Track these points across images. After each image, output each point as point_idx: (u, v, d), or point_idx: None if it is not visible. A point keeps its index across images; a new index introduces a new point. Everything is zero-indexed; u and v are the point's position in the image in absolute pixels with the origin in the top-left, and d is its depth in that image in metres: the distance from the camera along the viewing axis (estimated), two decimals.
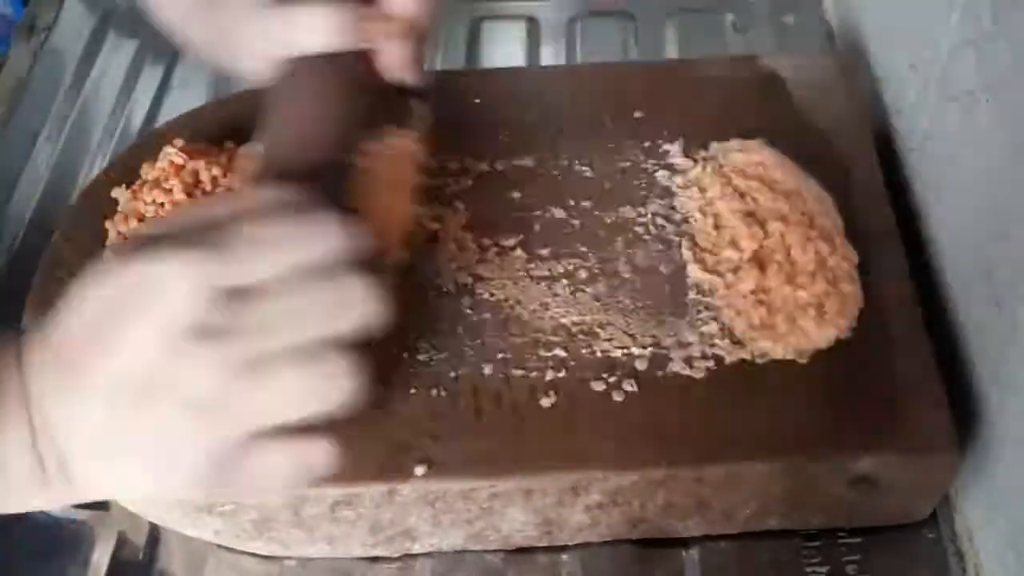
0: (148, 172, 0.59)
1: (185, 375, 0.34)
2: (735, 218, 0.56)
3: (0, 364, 0.37)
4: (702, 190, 0.58)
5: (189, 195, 0.57)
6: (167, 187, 0.58)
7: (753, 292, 0.53)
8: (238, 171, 0.57)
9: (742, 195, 0.57)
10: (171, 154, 0.59)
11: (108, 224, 0.59)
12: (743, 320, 0.53)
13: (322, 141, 0.44)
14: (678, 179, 0.60)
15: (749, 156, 0.58)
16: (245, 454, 0.36)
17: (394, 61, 0.47)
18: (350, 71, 0.46)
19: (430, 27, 0.48)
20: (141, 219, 0.57)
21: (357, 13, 0.45)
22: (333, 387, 0.36)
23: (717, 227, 0.57)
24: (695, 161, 0.60)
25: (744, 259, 0.55)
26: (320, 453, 0.37)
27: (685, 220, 0.58)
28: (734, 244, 0.55)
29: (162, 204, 0.58)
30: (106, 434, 0.35)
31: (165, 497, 0.46)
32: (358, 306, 0.36)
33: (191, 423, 0.35)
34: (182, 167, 0.58)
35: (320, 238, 0.36)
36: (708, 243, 0.56)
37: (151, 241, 0.35)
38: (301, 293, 0.35)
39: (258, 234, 0.35)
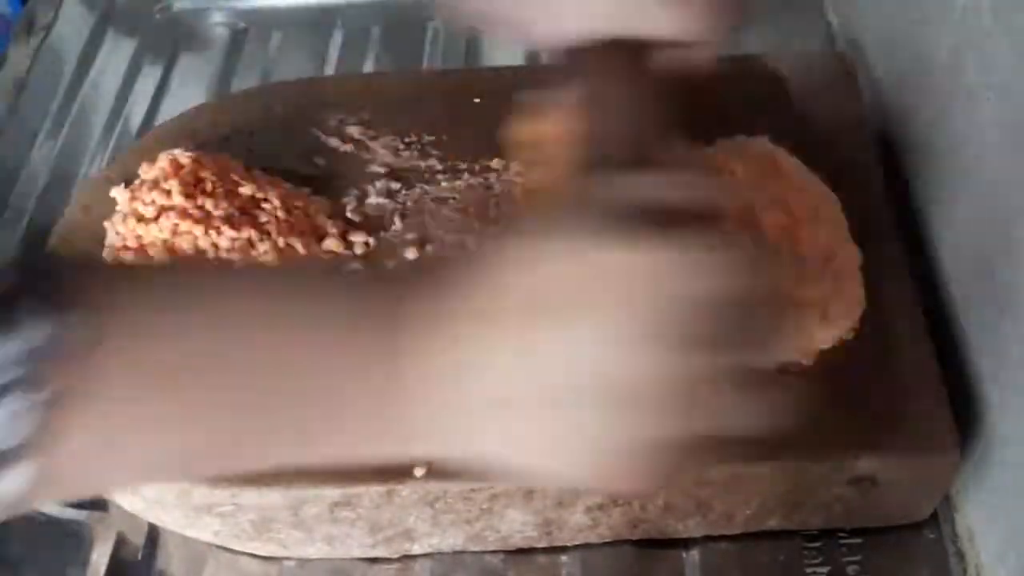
0: (147, 172, 0.59)
1: (639, 373, 0.33)
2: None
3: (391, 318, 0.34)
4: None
5: (188, 196, 0.57)
6: (166, 188, 0.58)
7: None
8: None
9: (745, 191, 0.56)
10: (176, 154, 0.59)
11: (107, 224, 0.58)
12: None
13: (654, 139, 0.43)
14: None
15: (754, 153, 0.58)
16: (661, 453, 0.34)
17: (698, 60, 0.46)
18: (644, 63, 0.45)
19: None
20: (140, 219, 0.57)
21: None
22: (765, 412, 0.35)
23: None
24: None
25: None
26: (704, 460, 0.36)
27: None
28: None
29: (161, 205, 0.57)
30: (527, 401, 0.33)
31: (542, 478, 0.41)
32: (781, 333, 0.36)
33: (624, 421, 0.33)
34: (181, 167, 0.58)
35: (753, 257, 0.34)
36: None
37: (606, 221, 0.33)
38: (742, 315, 0.34)
39: (725, 247, 0.34)
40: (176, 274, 0.38)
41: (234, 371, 0.34)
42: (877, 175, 0.60)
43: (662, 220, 0.33)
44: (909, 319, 0.54)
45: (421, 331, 0.34)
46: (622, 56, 0.44)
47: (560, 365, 0.33)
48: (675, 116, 0.44)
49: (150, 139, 0.64)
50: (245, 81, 0.78)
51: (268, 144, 0.63)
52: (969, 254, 0.54)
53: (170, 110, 0.76)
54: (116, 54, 0.81)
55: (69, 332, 0.30)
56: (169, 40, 0.82)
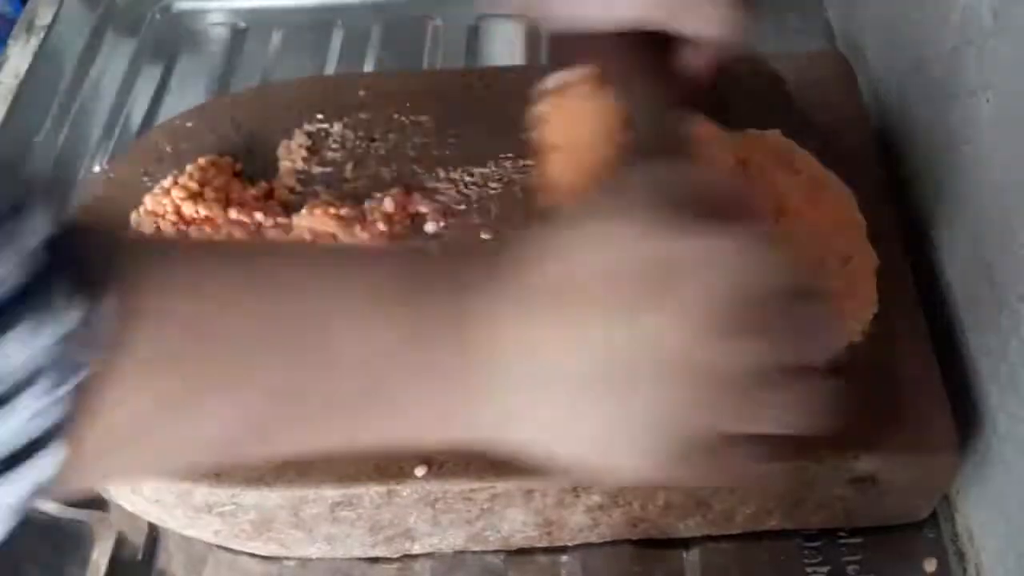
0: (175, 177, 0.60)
1: (696, 367, 0.33)
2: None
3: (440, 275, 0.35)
4: None
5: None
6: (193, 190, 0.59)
7: None
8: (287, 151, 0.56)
9: (764, 188, 0.56)
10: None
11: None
12: None
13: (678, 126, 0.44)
14: None
15: (769, 145, 0.58)
16: (714, 447, 0.34)
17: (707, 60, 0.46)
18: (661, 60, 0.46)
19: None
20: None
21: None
22: (815, 411, 0.35)
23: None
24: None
25: None
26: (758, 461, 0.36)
27: None
28: None
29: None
30: (581, 392, 0.33)
31: (583, 468, 0.39)
32: (830, 330, 0.36)
33: (680, 413, 0.33)
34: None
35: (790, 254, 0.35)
36: None
37: (669, 212, 0.33)
38: (795, 311, 0.34)
39: (778, 242, 0.34)
40: (216, 252, 0.37)
41: (281, 349, 0.33)
42: (877, 175, 0.60)
43: (708, 212, 0.34)
44: (909, 319, 0.54)
45: (484, 311, 0.34)
46: (648, 48, 0.45)
47: (622, 349, 0.33)
48: (694, 110, 0.46)
49: (150, 139, 0.64)
50: (245, 81, 0.78)
51: (268, 144, 0.63)
52: (969, 254, 0.54)
53: (170, 110, 0.76)
54: (116, 54, 0.82)
55: (102, 314, 0.30)
56: (169, 40, 0.82)
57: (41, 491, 0.30)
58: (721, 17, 0.45)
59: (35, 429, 0.29)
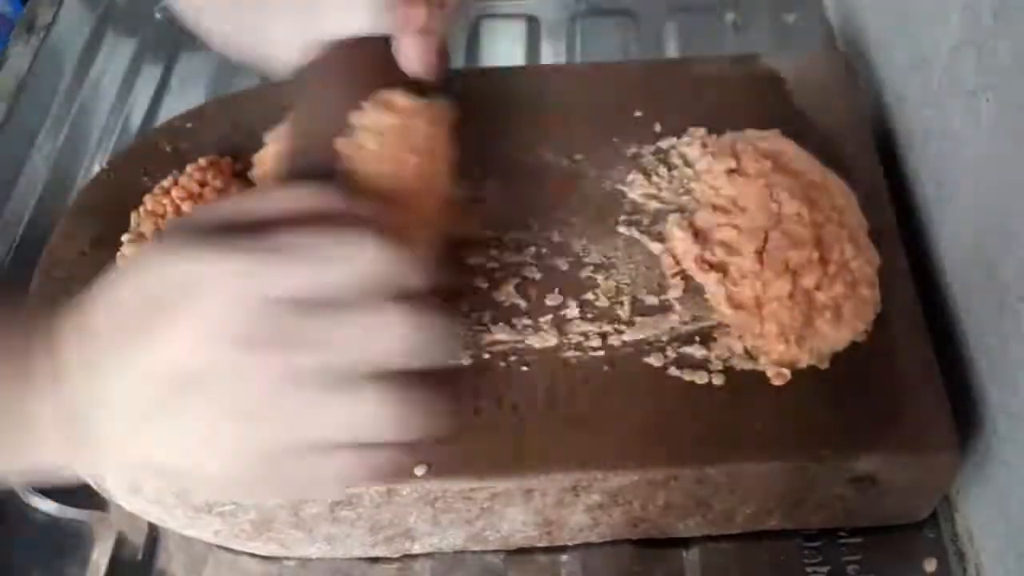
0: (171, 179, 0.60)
1: (222, 381, 0.34)
2: (757, 214, 0.55)
3: (31, 329, 0.37)
4: (714, 187, 0.58)
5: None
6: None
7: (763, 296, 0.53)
8: (261, 161, 0.57)
9: (764, 187, 0.56)
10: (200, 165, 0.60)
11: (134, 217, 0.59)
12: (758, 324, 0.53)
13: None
14: (688, 171, 0.60)
15: (769, 146, 0.58)
16: (286, 458, 0.35)
17: (421, 54, 0.46)
18: (378, 61, 0.45)
19: (454, 21, 0.47)
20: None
21: None
22: (378, 416, 0.35)
23: (730, 224, 0.56)
24: (704, 146, 0.60)
25: (758, 258, 0.54)
26: (365, 462, 0.36)
27: (692, 214, 0.58)
28: (750, 239, 0.54)
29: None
30: (140, 413, 0.35)
31: (188, 484, 0.45)
32: (402, 333, 0.35)
33: (230, 426, 0.35)
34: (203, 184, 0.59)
35: (364, 258, 0.35)
36: (720, 240, 0.56)
37: (195, 236, 0.35)
38: (344, 312, 0.34)
39: (306, 245, 0.35)
40: None
41: None
42: (877, 175, 0.60)
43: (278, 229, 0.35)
44: (909, 319, 0.54)
45: (45, 344, 0.36)
46: (333, 59, 0.45)
47: (149, 376, 0.35)
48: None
49: (150, 139, 0.64)
50: (245, 81, 0.78)
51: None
52: (969, 254, 0.54)
53: (170, 110, 0.76)
54: (116, 54, 0.82)
55: None
56: (169, 40, 0.82)
57: None
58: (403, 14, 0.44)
59: None
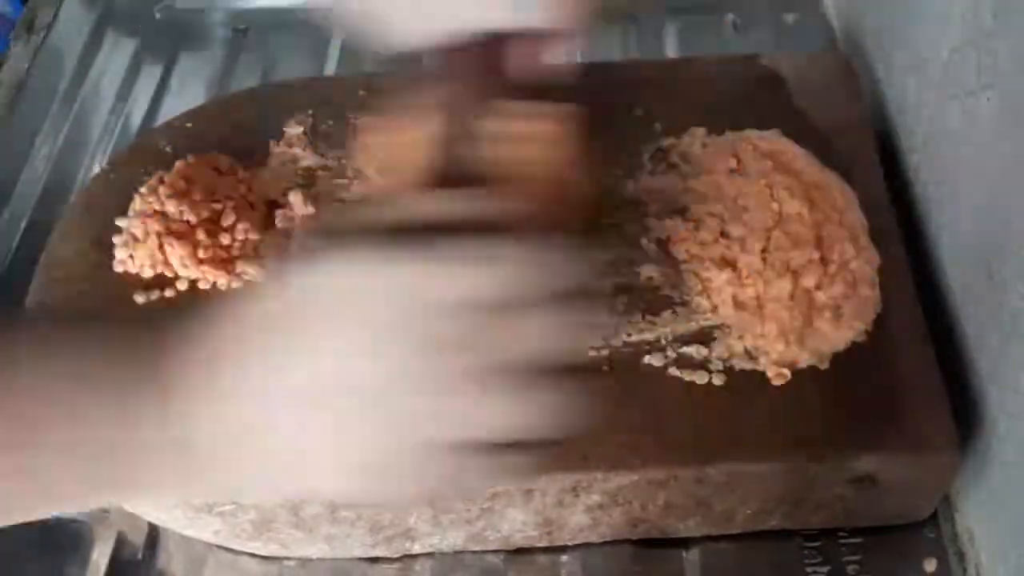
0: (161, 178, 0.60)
1: (392, 387, 0.33)
2: (758, 214, 0.55)
3: (135, 357, 0.35)
4: (714, 187, 0.58)
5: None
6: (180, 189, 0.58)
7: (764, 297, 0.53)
8: (364, 149, 0.55)
9: (765, 187, 0.56)
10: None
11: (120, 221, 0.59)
12: (758, 324, 0.53)
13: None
14: (688, 170, 0.59)
15: (769, 146, 0.58)
16: (443, 459, 0.35)
17: (555, 55, 0.45)
18: (512, 59, 0.44)
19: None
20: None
21: None
22: (544, 413, 0.34)
23: (730, 222, 0.56)
24: (704, 146, 0.60)
25: (762, 258, 0.54)
26: (518, 467, 0.36)
27: (693, 214, 0.57)
28: (755, 239, 0.55)
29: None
30: (297, 427, 0.34)
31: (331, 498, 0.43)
32: (573, 333, 0.35)
33: (393, 431, 0.34)
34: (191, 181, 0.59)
35: (525, 261, 0.35)
36: (719, 240, 0.56)
37: (347, 243, 0.34)
38: (512, 314, 0.34)
39: (468, 252, 0.34)
40: None
41: None
42: (877, 175, 0.60)
43: (434, 235, 0.34)
44: (909, 319, 0.54)
45: (182, 367, 0.35)
46: (481, 58, 0.44)
47: (313, 380, 0.33)
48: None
49: (150, 139, 0.64)
50: (245, 81, 0.78)
51: (268, 145, 0.63)
52: (969, 254, 0.54)
53: (170, 110, 0.76)
54: (116, 54, 0.82)
55: None
56: (169, 40, 0.82)
57: None
58: (560, 8, 0.43)
59: None
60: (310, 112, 0.64)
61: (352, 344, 0.33)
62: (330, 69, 0.79)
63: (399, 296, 0.33)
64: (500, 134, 0.42)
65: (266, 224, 0.59)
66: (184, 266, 0.57)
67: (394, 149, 0.47)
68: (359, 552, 0.54)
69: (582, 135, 0.46)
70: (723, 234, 0.56)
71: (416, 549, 0.54)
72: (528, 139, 0.43)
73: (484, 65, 0.44)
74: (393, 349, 0.33)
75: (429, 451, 0.34)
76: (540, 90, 0.45)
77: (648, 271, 0.56)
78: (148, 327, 0.38)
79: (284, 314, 0.34)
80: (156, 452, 0.35)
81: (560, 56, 0.46)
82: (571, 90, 0.46)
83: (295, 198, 0.60)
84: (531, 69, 0.45)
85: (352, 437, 0.34)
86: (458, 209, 0.36)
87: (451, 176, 0.41)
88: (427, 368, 0.33)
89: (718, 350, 0.53)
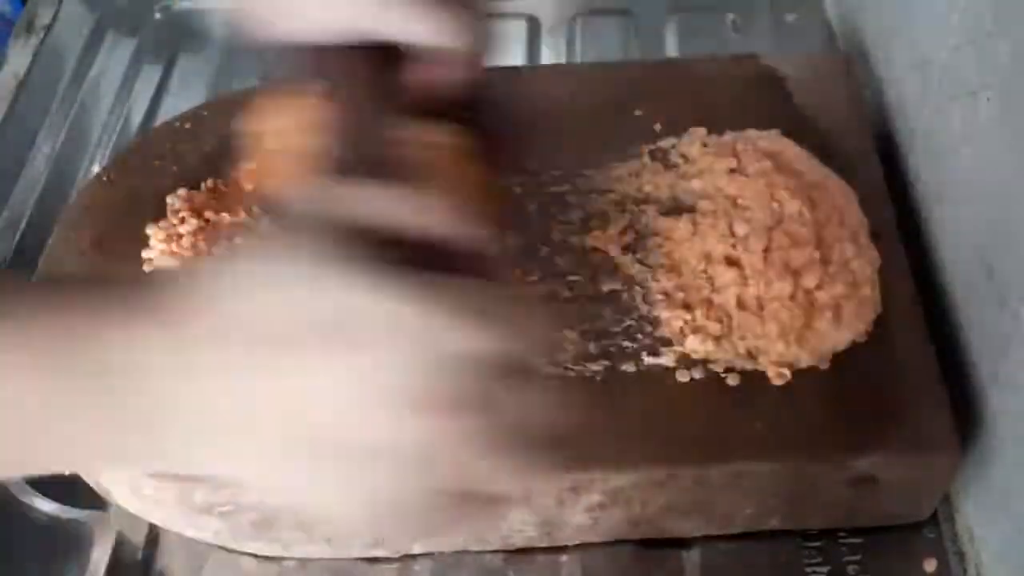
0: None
1: (377, 434, 0.32)
2: (758, 214, 0.55)
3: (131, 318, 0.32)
4: (714, 187, 0.58)
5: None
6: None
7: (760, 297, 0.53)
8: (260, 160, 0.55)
9: (765, 187, 0.56)
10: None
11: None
12: (759, 324, 0.53)
13: (390, 141, 0.41)
14: (688, 170, 0.60)
15: (769, 146, 0.58)
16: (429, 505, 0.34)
17: (460, 66, 0.44)
18: (409, 72, 0.43)
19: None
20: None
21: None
22: (525, 464, 0.33)
23: (733, 221, 0.56)
24: (704, 146, 0.60)
25: (764, 258, 0.54)
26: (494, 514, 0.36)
27: (693, 214, 0.57)
28: (758, 238, 0.54)
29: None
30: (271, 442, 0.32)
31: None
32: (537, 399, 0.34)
33: (368, 474, 0.32)
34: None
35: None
36: (721, 239, 0.56)
37: (327, 245, 0.32)
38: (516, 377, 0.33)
39: (472, 305, 0.32)
40: None
41: None
42: (877, 175, 0.60)
43: (399, 248, 0.32)
44: (909, 319, 0.54)
45: (134, 365, 0.32)
46: (369, 60, 0.42)
47: (301, 412, 0.31)
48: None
49: (149, 139, 0.64)
50: (245, 81, 0.78)
51: None
52: (969, 254, 0.54)
53: (170, 110, 0.76)
54: (116, 54, 0.82)
55: None
56: (169, 40, 0.82)
57: None
58: (439, 23, 0.42)
59: None
60: None
61: (353, 392, 0.31)
62: None
63: (397, 344, 0.31)
64: (399, 138, 0.41)
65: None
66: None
67: (283, 131, 0.46)
68: (359, 552, 0.54)
69: (480, 154, 0.44)
70: (726, 233, 0.55)
71: (416, 549, 0.54)
72: (424, 147, 0.42)
73: (368, 72, 0.43)
74: (394, 405, 0.31)
75: (430, 499, 0.33)
76: (440, 106, 0.44)
77: (645, 272, 0.56)
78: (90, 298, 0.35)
79: (261, 324, 0.31)
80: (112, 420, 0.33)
81: (459, 75, 0.44)
82: (472, 107, 0.45)
83: None
84: (429, 85, 0.44)
85: (353, 489, 0.33)
86: (408, 213, 0.34)
87: (346, 167, 0.39)
88: (428, 428, 0.32)
89: (718, 350, 0.53)
